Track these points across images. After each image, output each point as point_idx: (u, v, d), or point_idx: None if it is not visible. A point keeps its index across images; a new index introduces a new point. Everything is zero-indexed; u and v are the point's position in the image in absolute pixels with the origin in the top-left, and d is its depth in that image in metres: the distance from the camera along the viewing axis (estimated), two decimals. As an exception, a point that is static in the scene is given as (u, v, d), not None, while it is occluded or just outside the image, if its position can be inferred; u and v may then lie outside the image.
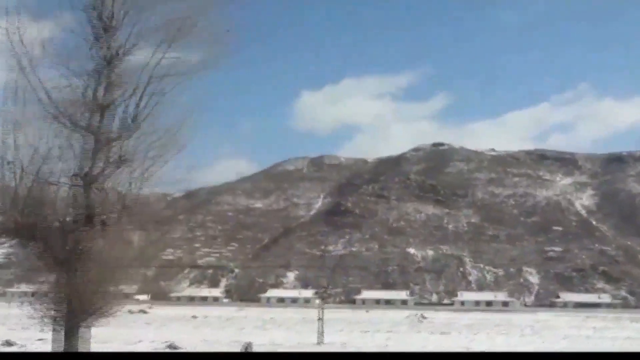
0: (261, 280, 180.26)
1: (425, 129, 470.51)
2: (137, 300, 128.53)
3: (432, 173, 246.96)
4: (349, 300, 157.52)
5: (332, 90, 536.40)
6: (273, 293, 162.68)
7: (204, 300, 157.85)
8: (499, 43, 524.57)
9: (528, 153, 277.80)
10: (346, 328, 60.05)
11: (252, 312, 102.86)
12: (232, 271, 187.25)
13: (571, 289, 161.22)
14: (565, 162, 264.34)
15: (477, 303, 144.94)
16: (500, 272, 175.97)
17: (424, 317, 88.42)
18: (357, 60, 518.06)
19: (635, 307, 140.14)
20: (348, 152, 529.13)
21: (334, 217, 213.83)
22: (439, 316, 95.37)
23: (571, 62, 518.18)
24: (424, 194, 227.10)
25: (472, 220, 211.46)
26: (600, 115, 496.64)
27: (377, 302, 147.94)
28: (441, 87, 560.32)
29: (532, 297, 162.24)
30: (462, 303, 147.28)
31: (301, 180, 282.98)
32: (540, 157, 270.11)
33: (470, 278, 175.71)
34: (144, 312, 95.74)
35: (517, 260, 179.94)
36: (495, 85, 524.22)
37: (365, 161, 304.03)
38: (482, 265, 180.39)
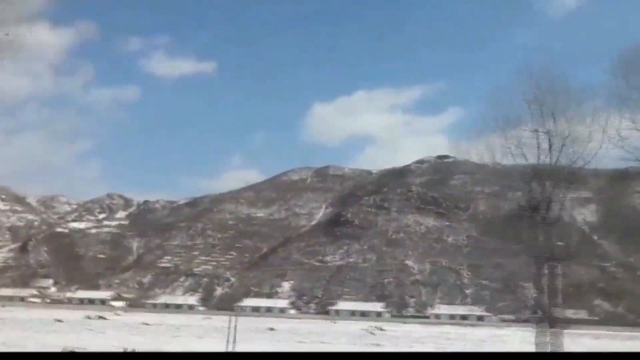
0: (256, 290, 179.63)
1: (434, 142, 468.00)
2: (112, 306, 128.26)
3: (434, 185, 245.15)
4: (324, 311, 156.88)
5: (345, 102, 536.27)
6: (247, 302, 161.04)
7: (178, 308, 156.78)
8: (512, 59, 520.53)
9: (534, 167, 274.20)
10: (271, 339, 58.76)
11: (213, 321, 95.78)
12: (228, 280, 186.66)
13: (569, 305, 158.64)
14: (570, 177, 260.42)
15: (452, 317, 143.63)
16: (498, 286, 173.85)
17: (380, 330, 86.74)
18: (370, 72, 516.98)
19: (625, 325, 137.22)
20: (358, 163, 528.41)
21: (334, 227, 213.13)
22: (399, 329, 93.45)
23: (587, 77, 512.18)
24: (425, 206, 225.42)
25: (473, 234, 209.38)
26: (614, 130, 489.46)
27: (353, 313, 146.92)
28: (453, 102, 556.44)
29: (528, 312, 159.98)
30: (437, 316, 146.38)
31: (304, 191, 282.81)
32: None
33: (467, 292, 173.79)
34: (103, 318, 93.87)
35: (516, 274, 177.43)
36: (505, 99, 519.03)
37: (369, 172, 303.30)
38: (479, 279, 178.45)
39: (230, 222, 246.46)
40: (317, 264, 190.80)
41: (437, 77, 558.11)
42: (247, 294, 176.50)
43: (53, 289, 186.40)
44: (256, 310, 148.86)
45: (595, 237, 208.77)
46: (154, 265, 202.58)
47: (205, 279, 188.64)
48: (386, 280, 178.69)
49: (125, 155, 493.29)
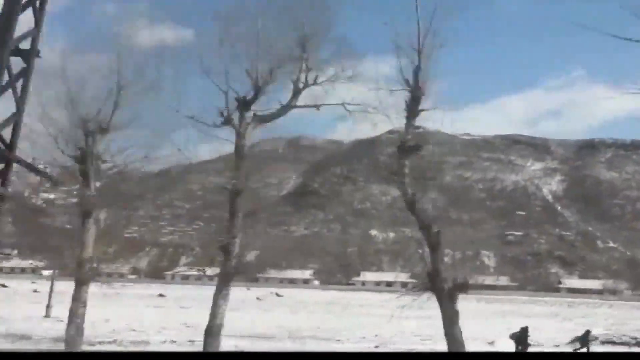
0: (221, 259, 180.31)
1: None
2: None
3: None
4: (253, 279, 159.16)
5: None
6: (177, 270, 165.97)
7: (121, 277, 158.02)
8: (497, 28, 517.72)
9: (503, 138, 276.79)
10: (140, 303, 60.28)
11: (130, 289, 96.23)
12: (192, 249, 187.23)
13: (525, 272, 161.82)
14: (538, 147, 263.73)
15: (378, 284, 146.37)
16: (458, 255, 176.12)
17: (278, 295, 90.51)
18: (361, 44, 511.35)
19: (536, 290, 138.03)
20: (336, 135, 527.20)
21: (300, 198, 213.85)
22: (300, 294, 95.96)
23: (564, 46, 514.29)
24: (390, 176, 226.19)
25: (438, 204, 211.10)
26: (590, 103, 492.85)
27: (281, 281, 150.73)
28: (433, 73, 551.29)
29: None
30: (363, 283, 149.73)
31: (276, 161, 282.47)
32: (514, 142, 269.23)
33: (428, 260, 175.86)
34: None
35: (476, 243, 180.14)
36: (486, 70, 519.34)
37: (341, 143, 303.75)
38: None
39: (198, 193, 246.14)
40: (281, 233, 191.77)
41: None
42: (211, 264, 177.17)
43: (16, 259, 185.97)
44: (185, 278, 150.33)
45: (559, 207, 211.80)
46: (120, 236, 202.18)
47: (170, 249, 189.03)
48: (349, 249, 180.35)
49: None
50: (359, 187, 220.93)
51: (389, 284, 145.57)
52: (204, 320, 18.55)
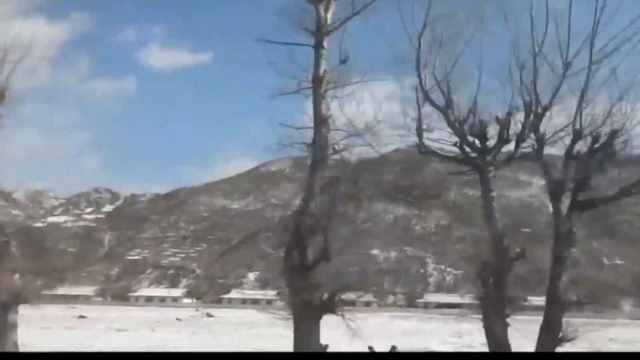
0: (221, 281, 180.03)
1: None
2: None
3: (407, 174, 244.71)
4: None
5: (344, 90, 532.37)
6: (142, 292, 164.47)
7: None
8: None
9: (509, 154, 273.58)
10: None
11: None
12: (194, 271, 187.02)
13: (527, 290, 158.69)
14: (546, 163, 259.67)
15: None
16: (461, 273, 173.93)
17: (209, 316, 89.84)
18: (368, 59, 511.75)
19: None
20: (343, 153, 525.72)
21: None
22: (234, 314, 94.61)
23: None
24: (395, 195, 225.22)
25: (442, 222, 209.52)
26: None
27: (243, 301, 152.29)
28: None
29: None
30: None
31: (281, 181, 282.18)
32: (521, 158, 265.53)
33: (430, 280, 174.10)
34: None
35: (478, 261, 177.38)
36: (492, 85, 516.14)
37: (348, 162, 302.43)
38: (443, 267, 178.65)
39: (204, 214, 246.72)
40: (283, 254, 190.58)
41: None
42: (212, 286, 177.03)
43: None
44: (162, 300, 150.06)
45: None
46: (123, 258, 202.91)
47: (171, 271, 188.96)
48: (350, 269, 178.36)
49: (123, 148, 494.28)
50: (362, 206, 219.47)
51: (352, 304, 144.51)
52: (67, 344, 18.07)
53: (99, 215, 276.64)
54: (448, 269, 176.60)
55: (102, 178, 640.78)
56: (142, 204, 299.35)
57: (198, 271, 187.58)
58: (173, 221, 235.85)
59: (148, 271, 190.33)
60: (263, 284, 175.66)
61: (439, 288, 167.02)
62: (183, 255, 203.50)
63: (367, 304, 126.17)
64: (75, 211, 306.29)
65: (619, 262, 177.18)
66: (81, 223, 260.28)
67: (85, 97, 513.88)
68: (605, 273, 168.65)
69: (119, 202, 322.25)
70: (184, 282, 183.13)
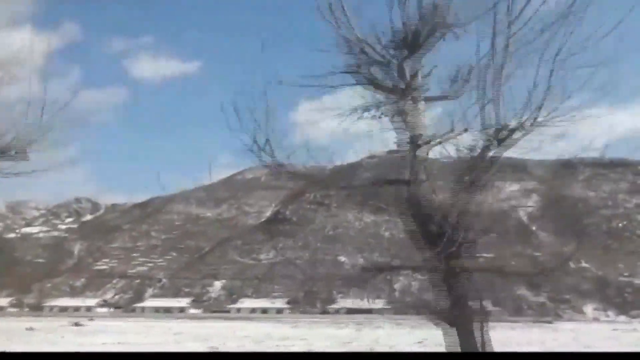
0: (187, 290, 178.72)
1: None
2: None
3: (379, 180, 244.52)
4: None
5: (331, 100, 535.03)
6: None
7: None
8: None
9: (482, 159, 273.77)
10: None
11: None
12: (160, 281, 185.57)
13: (492, 294, 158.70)
14: (517, 168, 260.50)
15: (254, 310, 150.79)
16: (426, 278, 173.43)
17: (77, 325, 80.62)
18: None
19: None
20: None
21: (271, 225, 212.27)
22: (116, 324, 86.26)
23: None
24: (365, 201, 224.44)
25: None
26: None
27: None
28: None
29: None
30: (238, 310, 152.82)
31: (256, 189, 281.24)
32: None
33: (396, 286, 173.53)
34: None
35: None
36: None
37: (323, 169, 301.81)
38: (410, 273, 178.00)
39: (177, 223, 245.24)
40: (251, 262, 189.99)
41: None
42: (177, 295, 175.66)
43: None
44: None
45: (534, 228, 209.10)
46: (90, 268, 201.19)
47: (137, 281, 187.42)
48: (316, 276, 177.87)
49: (112, 158, 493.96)
50: (332, 213, 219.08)
51: (264, 311, 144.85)
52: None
53: (72, 226, 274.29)
54: (414, 275, 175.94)
55: (89, 188, 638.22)
56: (118, 213, 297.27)
57: (164, 280, 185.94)
58: (144, 230, 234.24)
59: (115, 281, 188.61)
60: (230, 292, 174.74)
61: (405, 294, 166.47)
62: (151, 264, 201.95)
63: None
64: (55, 221, 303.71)
65: (584, 265, 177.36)
66: (55, 233, 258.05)
67: (75, 106, 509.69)
68: (569, 275, 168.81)
69: (99, 212, 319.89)
70: (149, 291, 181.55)
